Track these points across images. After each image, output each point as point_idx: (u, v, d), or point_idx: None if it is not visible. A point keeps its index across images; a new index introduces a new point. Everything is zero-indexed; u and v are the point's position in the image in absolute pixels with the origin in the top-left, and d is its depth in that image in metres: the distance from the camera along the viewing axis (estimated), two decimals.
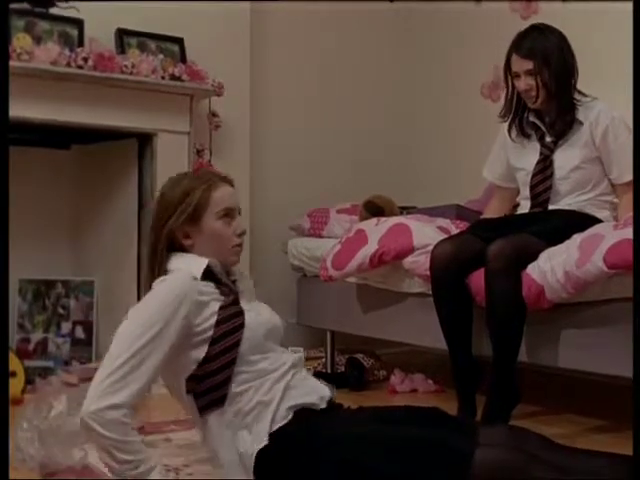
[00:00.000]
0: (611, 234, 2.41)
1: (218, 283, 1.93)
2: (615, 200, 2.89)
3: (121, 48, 3.37)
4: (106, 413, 1.69)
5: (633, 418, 1.52)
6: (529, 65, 2.78)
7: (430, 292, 2.76)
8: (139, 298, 3.38)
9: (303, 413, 1.86)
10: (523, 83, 2.81)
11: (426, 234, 2.98)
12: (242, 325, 1.88)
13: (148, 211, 3.43)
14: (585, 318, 2.52)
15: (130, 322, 1.83)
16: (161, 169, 3.42)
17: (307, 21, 4.30)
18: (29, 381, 3.16)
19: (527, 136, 2.93)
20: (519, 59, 2.81)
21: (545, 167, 2.85)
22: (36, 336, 3.49)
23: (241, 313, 1.89)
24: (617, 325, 2.43)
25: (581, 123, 2.82)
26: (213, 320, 1.85)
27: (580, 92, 2.86)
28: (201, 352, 1.85)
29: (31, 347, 3.46)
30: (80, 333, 3.55)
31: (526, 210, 2.91)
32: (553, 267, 2.48)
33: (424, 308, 2.89)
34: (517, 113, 2.94)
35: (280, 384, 1.87)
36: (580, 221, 2.70)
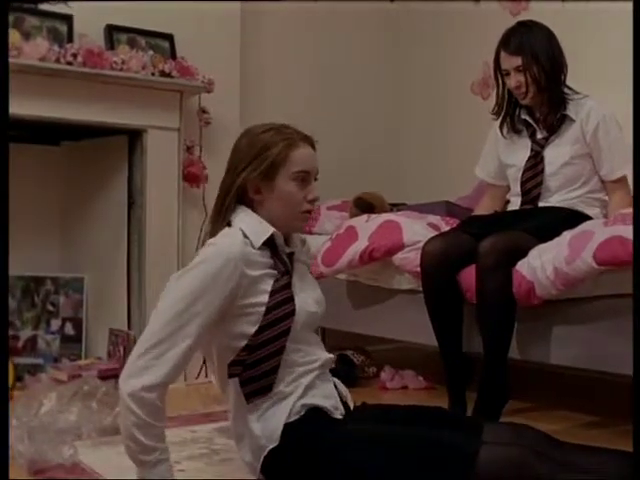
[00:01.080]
0: (601, 231, 2.42)
1: (275, 256, 1.86)
2: (605, 197, 2.90)
3: (111, 44, 3.36)
4: (143, 394, 1.66)
5: (633, 418, 1.52)
6: (518, 61, 2.79)
7: (420, 289, 2.77)
8: (129, 294, 3.43)
9: (315, 413, 1.84)
10: (513, 80, 2.82)
11: (416, 231, 2.98)
12: (293, 312, 1.83)
13: (138, 207, 3.43)
14: (575, 315, 2.53)
15: (170, 294, 1.76)
16: (151, 165, 3.41)
17: (298, 19, 4.30)
18: (18, 378, 3.15)
19: (518, 132, 2.94)
20: (508, 56, 2.82)
21: (536, 163, 2.86)
22: (25, 333, 3.47)
23: (292, 299, 1.84)
24: (607, 321, 2.44)
25: (572, 120, 2.83)
26: (262, 298, 1.79)
27: (570, 89, 2.87)
28: (246, 330, 1.79)
29: (20, 344, 3.45)
30: (70, 330, 3.53)
31: (517, 207, 2.92)
32: (543, 264, 2.48)
33: (414, 305, 2.89)
34: (509, 110, 2.95)
35: (304, 379, 1.85)
36: (570, 218, 2.71)
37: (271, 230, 1.85)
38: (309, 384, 1.86)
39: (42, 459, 2.14)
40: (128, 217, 3.48)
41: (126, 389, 1.67)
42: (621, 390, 3.12)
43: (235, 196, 1.86)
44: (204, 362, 3.54)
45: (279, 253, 1.88)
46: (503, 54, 2.84)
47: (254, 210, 1.88)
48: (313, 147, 1.94)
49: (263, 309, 1.79)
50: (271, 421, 1.80)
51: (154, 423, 1.69)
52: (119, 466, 2.19)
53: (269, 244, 1.85)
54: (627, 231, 2.30)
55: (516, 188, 2.93)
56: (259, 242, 1.82)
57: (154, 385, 1.67)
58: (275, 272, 1.84)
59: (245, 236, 1.82)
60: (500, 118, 2.97)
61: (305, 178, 1.87)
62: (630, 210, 2.54)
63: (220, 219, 1.88)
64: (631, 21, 3.43)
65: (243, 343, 1.79)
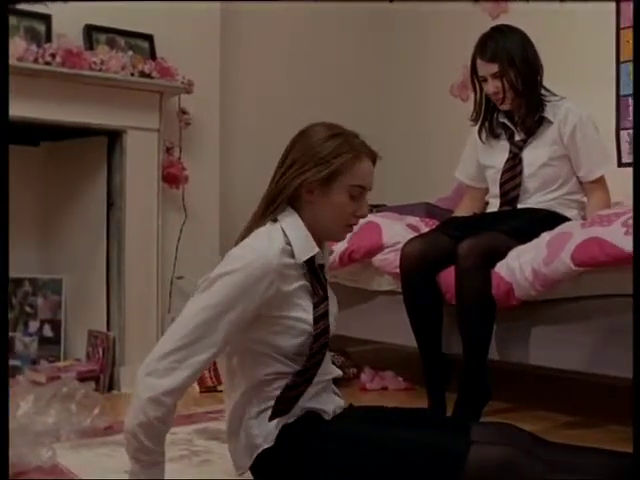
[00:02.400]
0: (579, 232, 2.43)
1: (313, 272, 1.83)
2: (583, 199, 2.92)
3: (90, 44, 3.34)
4: (162, 398, 1.63)
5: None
6: (494, 68, 2.80)
7: (400, 290, 2.77)
8: (108, 295, 3.41)
9: (313, 416, 1.84)
10: (491, 86, 2.83)
11: (396, 232, 2.99)
12: (327, 329, 1.83)
13: (117, 208, 3.42)
14: (554, 315, 2.55)
15: (204, 297, 1.72)
16: (130, 166, 3.40)
17: (278, 19, 4.29)
18: None
19: (497, 136, 2.96)
20: (484, 63, 2.83)
21: (514, 165, 2.88)
22: None
23: (327, 314, 1.84)
24: (586, 322, 2.46)
25: (550, 122, 2.85)
26: (294, 312, 1.77)
27: (548, 90, 2.89)
28: (267, 339, 1.76)
29: None
30: (48, 332, 3.51)
31: (495, 208, 2.94)
32: (521, 265, 2.50)
33: (394, 306, 2.90)
34: (487, 115, 2.97)
35: (312, 389, 1.83)
36: (549, 219, 2.73)
37: (316, 250, 1.82)
38: (315, 393, 1.85)
39: (20, 462, 2.12)
40: (107, 218, 3.47)
41: (146, 390, 1.64)
42: (600, 390, 3.15)
43: (290, 195, 1.82)
44: None
45: (317, 270, 1.86)
46: (479, 61, 2.85)
47: (300, 209, 1.84)
48: (374, 163, 1.89)
49: (291, 322, 1.77)
50: (270, 421, 1.79)
51: (161, 426, 1.67)
52: (98, 468, 2.19)
53: (308, 259, 1.83)
54: (604, 232, 2.31)
55: (495, 190, 2.95)
56: (302, 258, 1.79)
57: (174, 389, 1.65)
58: (309, 286, 1.82)
59: (288, 243, 1.79)
60: (478, 124, 2.99)
61: (360, 193, 1.85)
62: (608, 211, 2.56)
63: (267, 214, 1.83)
64: (608, 22, 3.48)
65: (263, 349, 1.78)
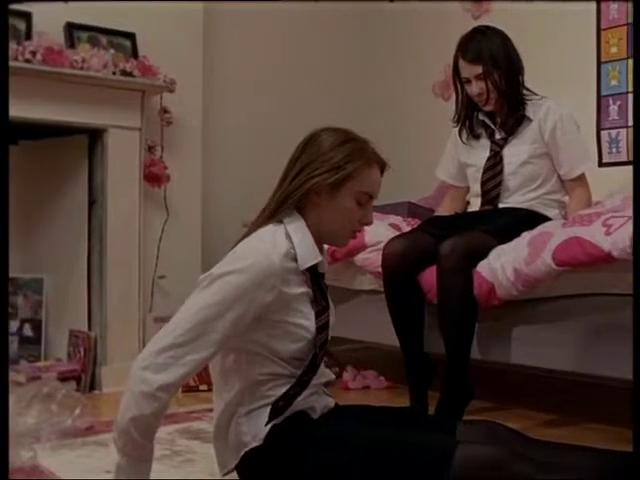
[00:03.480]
0: (560, 232, 2.44)
1: (314, 280, 1.82)
2: (563, 199, 2.94)
3: (71, 42, 3.32)
4: (157, 393, 1.62)
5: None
6: (478, 70, 2.81)
7: (382, 289, 2.78)
8: (89, 295, 3.39)
9: (302, 416, 1.83)
10: (475, 87, 2.83)
11: (378, 231, 2.99)
12: (325, 343, 1.83)
13: (99, 207, 3.40)
14: (535, 315, 2.56)
15: (203, 295, 1.70)
16: (112, 165, 3.38)
17: (260, 19, 4.28)
18: None
19: (477, 136, 2.97)
20: (467, 65, 2.83)
21: (495, 163, 2.89)
22: None
23: (328, 325, 1.83)
24: (567, 321, 2.47)
25: (530, 120, 2.86)
26: (294, 318, 1.76)
27: (529, 90, 2.90)
28: (264, 341, 1.75)
29: None
30: (28, 331, 3.49)
31: (477, 207, 2.95)
32: (503, 265, 2.51)
33: (376, 305, 2.90)
34: (467, 115, 2.97)
35: (306, 392, 1.82)
36: (530, 219, 2.74)
37: (319, 258, 1.82)
38: (307, 395, 1.84)
39: None
40: (89, 217, 3.45)
41: (141, 384, 1.62)
42: (581, 389, 3.17)
43: (299, 197, 1.80)
44: None
45: (319, 278, 1.85)
46: (462, 62, 2.85)
47: (305, 211, 1.82)
48: (383, 172, 1.89)
49: (291, 328, 1.76)
50: (259, 420, 1.78)
51: (153, 421, 1.66)
52: (79, 469, 2.18)
53: (311, 267, 1.81)
54: (585, 232, 2.33)
55: (476, 188, 2.96)
56: (305, 265, 1.78)
57: (169, 385, 1.64)
58: (311, 293, 1.81)
59: (292, 248, 1.77)
60: (459, 125, 3.00)
61: (367, 200, 1.84)
62: (588, 211, 2.57)
63: (274, 215, 1.82)
64: (589, 23, 3.50)
65: (260, 350, 1.77)
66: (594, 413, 2.84)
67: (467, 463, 1.63)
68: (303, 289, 1.80)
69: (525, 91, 2.89)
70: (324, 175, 1.78)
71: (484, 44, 2.81)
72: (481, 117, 2.95)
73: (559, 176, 2.90)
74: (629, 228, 2.19)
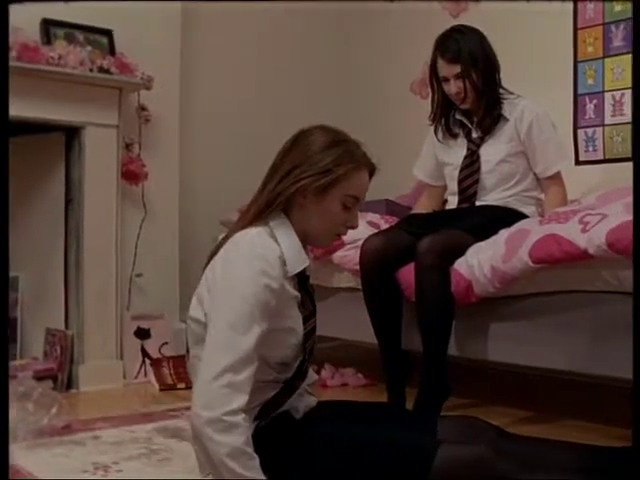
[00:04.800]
0: (537, 229, 2.46)
1: (302, 284, 1.81)
2: (540, 196, 2.96)
3: (47, 39, 3.30)
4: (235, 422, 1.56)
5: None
6: (457, 69, 2.81)
7: (360, 286, 2.78)
8: (66, 293, 3.37)
9: (284, 416, 1.83)
10: (454, 87, 2.84)
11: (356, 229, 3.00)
12: (313, 348, 1.83)
13: (76, 205, 3.38)
14: (512, 312, 2.57)
15: (226, 307, 1.65)
16: (89, 163, 3.36)
17: (239, 18, 4.27)
18: None
19: (454, 135, 2.98)
20: (446, 64, 2.84)
21: (472, 161, 2.90)
22: None
23: (315, 329, 1.83)
24: (543, 318, 2.48)
25: (506, 119, 2.88)
26: (283, 323, 1.74)
27: (504, 89, 2.91)
28: (266, 352, 1.72)
29: None
30: None
31: (454, 205, 2.96)
32: (480, 262, 2.52)
33: (354, 302, 2.91)
34: (443, 115, 2.99)
35: (284, 390, 1.82)
36: (507, 216, 2.76)
37: (307, 262, 1.81)
38: (290, 399, 1.84)
39: None
40: (65, 215, 3.43)
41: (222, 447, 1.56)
42: (558, 385, 3.19)
43: (287, 199, 1.77)
44: (143, 362, 3.52)
45: (306, 281, 1.84)
46: (441, 62, 2.86)
47: (290, 212, 1.80)
48: (372, 175, 1.86)
49: (281, 335, 1.75)
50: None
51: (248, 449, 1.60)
52: (56, 468, 2.17)
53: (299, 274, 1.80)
54: (562, 229, 2.34)
55: (453, 187, 2.97)
56: (294, 271, 1.77)
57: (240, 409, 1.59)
58: (299, 297, 1.80)
59: (281, 252, 1.75)
60: (435, 123, 3.01)
61: (353, 204, 1.82)
62: (565, 208, 2.59)
63: (261, 218, 1.78)
64: (566, 22, 3.52)
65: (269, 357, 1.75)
66: (572, 410, 2.86)
67: (451, 463, 1.64)
68: (293, 293, 1.78)
69: (501, 90, 2.91)
70: (313, 178, 1.74)
71: (463, 43, 2.81)
72: (458, 116, 2.97)
73: (535, 174, 2.92)
74: (605, 225, 2.21)
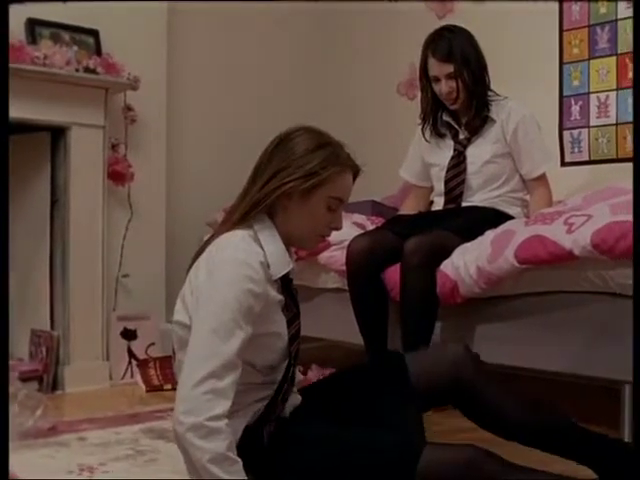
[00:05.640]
0: (522, 230, 2.47)
1: (285, 287, 1.81)
2: (526, 197, 2.97)
3: (32, 38, 3.28)
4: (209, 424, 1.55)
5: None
6: (449, 69, 2.82)
7: (346, 287, 2.79)
8: (52, 294, 3.36)
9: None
10: (445, 86, 2.85)
11: (342, 230, 2.99)
12: (297, 353, 1.83)
13: (61, 205, 3.37)
14: (498, 312, 2.58)
15: (203, 318, 1.64)
16: (75, 163, 3.35)
17: (225, 17, 4.27)
18: None
19: (441, 135, 2.99)
20: (438, 63, 2.84)
21: (459, 162, 2.91)
22: None
23: (299, 332, 1.83)
24: (528, 319, 2.50)
25: (493, 120, 2.89)
26: (266, 327, 1.73)
27: (491, 90, 2.92)
28: (252, 357, 1.71)
29: None
30: None
31: (440, 206, 2.97)
32: (466, 263, 2.53)
33: (340, 303, 2.91)
34: (431, 115, 2.99)
35: (276, 397, 1.82)
36: (493, 217, 2.77)
37: (291, 265, 1.80)
38: (277, 399, 1.83)
39: None
40: (51, 215, 3.42)
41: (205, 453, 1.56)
42: (541, 386, 3.20)
43: (272, 203, 1.76)
44: (129, 363, 3.51)
45: (290, 284, 1.84)
46: (432, 61, 2.86)
47: (274, 214, 1.79)
48: (355, 177, 1.86)
49: (266, 340, 1.74)
50: (233, 425, 1.75)
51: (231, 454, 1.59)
52: (41, 470, 2.16)
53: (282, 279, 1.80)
54: (547, 230, 2.35)
55: (440, 187, 2.98)
56: (278, 275, 1.76)
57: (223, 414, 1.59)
58: (283, 300, 1.79)
59: (264, 256, 1.73)
60: (423, 123, 3.02)
61: (337, 206, 1.81)
62: (550, 210, 2.60)
63: (246, 220, 1.77)
64: (551, 23, 3.54)
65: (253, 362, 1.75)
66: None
67: (438, 465, 1.63)
68: (277, 297, 1.78)
69: (489, 92, 2.92)
70: (298, 181, 1.74)
71: (454, 43, 2.82)
72: (445, 118, 2.97)
73: (521, 175, 2.93)
74: (590, 226, 2.22)
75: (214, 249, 1.74)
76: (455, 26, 2.91)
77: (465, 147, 2.92)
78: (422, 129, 3.02)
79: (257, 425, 1.78)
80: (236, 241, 1.72)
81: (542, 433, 1.89)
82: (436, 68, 2.85)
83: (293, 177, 1.74)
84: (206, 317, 1.64)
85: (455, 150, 2.93)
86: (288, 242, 1.82)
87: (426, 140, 3.02)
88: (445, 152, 2.96)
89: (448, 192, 2.92)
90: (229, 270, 1.67)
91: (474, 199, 2.89)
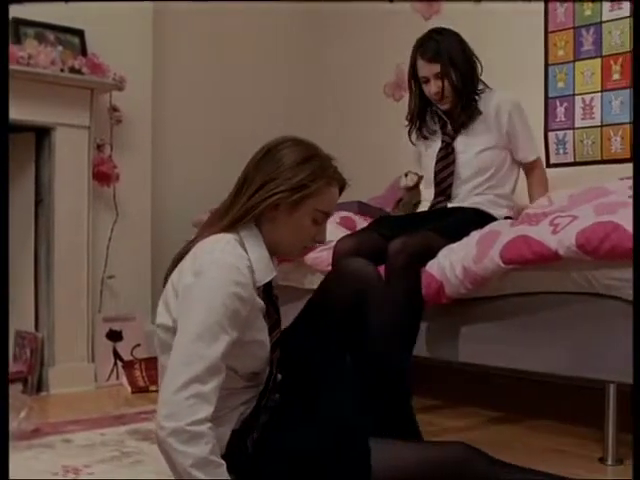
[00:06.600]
0: (507, 231, 2.48)
1: (267, 294, 1.82)
2: (511, 203, 2.99)
3: (17, 38, 3.27)
4: (202, 432, 1.55)
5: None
6: (437, 68, 2.86)
7: None
8: (36, 295, 3.34)
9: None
10: (433, 86, 2.88)
11: (328, 230, 2.99)
12: (278, 360, 1.83)
13: (46, 206, 3.35)
14: (483, 313, 2.59)
15: (195, 320, 1.62)
16: (60, 163, 3.34)
17: (211, 18, 4.25)
18: None
19: (432, 132, 3.01)
20: (426, 64, 2.88)
21: (447, 154, 2.95)
22: None
23: (279, 342, 1.83)
24: (514, 319, 2.50)
25: (480, 112, 2.92)
26: (251, 335, 1.73)
27: (481, 81, 2.97)
28: (235, 363, 1.71)
29: None
30: None
31: (429, 197, 2.98)
32: (452, 263, 2.53)
33: None
34: (419, 117, 3.02)
35: (259, 404, 1.82)
36: (479, 218, 2.78)
37: (274, 273, 1.80)
38: (261, 402, 1.83)
39: None
40: (35, 215, 3.41)
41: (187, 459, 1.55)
42: (526, 386, 3.21)
43: (259, 213, 1.76)
44: (115, 364, 3.50)
45: (271, 291, 1.84)
46: (421, 62, 2.90)
47: (260, 224, 1.80)
48: (341, 191, 1.87)
49: (248, 346, 1.73)
50: (220, 430, 1.74)
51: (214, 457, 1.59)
52: (25, 472, 2.15)
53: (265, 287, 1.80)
54: (532, 231, 2.36)
55: (429, 178, 3.00)
56: (262, 281, 1.76)
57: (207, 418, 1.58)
58: (264, 308, 1.79)
59: (249, 262, 1.73)
60: (411, 125, 3.04)
61: (323, 219, 1.83)
62: (535, 211, 2.61)
63: (233, 227, 1.77)
64: (537, 25, 3.55)
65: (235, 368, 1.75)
66: (542, 410, 2.89)
67: (425, 464, 1.65)
68: (260, 303, 1.78)
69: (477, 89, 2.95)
70: (285, 194, 1.75)
71: (442, 44, 2.87)
72: (435, 109, 3.00)
73: (509, 168, 2.97)
74: (575, 227, 2.23)
75: (199, 251, 1.73)
76: (444, 28, 2.95)
77: (453, 139, 2.95)
78: (409, 132, 3.04)
79: (242, 433, 1.77)
80: (223, 244, 1.72)
81: None
82: (424, 68, 2.89)
83: (280, 189, 1.75)
84: (192, 320, 1.63)
85: (443, 142, 2.97)
86: (272, 251, 1.82)
87: (412, 143, 3.03)
88: (436, 144, 2.99)
89: (438, 183, 2.95)
90: (217, 273, 1.66)
91: (464, 189, 2.91)
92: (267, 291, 1.82)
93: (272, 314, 1.83)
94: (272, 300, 1.85)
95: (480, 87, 2.95)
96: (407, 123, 3.06)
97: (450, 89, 2.87)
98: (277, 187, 1.75)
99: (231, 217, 1.79)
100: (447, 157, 2.94)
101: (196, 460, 1.54)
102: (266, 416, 1.81)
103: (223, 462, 1.59)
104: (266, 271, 1.77)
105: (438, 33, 2.91)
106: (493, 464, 1.71)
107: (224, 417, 1.74)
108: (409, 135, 3.04)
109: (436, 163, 2.96)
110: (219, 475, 1.57)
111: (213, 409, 1.58)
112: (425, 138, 3.02)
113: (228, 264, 1.67)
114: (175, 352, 1.62)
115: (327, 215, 1.84)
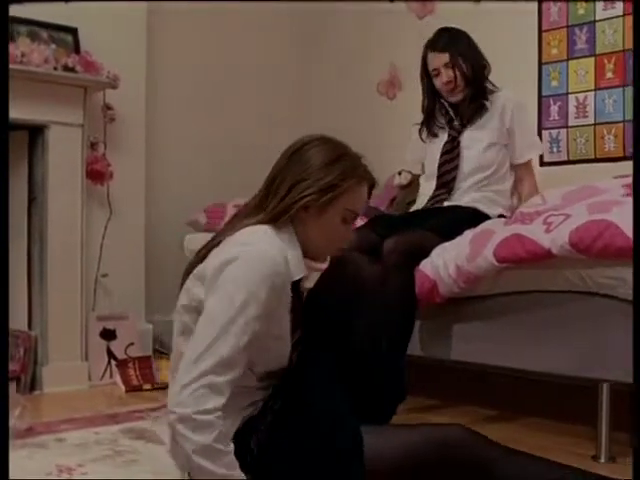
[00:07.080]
0: (501, 229, 2.48)
1: (296, 291, 1.79)
2: (508, 202, 2.99)
3: (10, 36, 3.25)
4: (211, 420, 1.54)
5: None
6: (446, 58, 2.91)
7: None
8: (30, 293, 3.33)
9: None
10: (444, 76, 2.93)
11: None
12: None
13: (39, 204, 3.35)
14: (477, 312, 2.59)
15: (220, 303, 1.60)
16: (53, 162, 3.33)
17: (205, 17, 4.25)
18: None
19: (436, 136, 3.03)
20: (436, 55, 2.94)
21: (453, 147, 2.97)
22: None
23: (301, 341, 1.80)
24: (507, 318, 2.51)
25: (487, 109, 2.96)
26: (276, 331, 1.71)
27: (489, 81, 3.01)
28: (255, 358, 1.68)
29: None
30: None
31: (429, 192, 2.98)
32: (445, 262, 2.53)
33: None
34: (429, 114, 3.05)
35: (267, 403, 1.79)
36: (473, 217, 2.78)
37: (305, 272, 1.78)
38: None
39: None
40: (28, 214, 3.40)
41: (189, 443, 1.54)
42: (520, 385, 3.21)
43: (293, 215, 1.73)
44: (108, 363, 3.50)
45: (299, 288, 1.82)
46: (431, 54, 2.96)
47: (293, 225, 1.77)
48: (371, 190, 1.85)
49: (269, 340, 1.71)
50: (227, 426, 1.73)
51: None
52: (18, 471, 2.14)
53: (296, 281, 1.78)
54: (526, 230, 2.36)
55: (433, 169, 3.01)
56: (295, 277, 1.73)
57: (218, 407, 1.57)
58: (290, 304, 1.76)
59: (286, 257, 1.71)
60: (421, 124, 3.07)
61: (352, 219, 1.81)
62: (529, 210, 2.61)
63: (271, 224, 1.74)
64: (530, 24, 3.56)
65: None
66: (536, 408, 2.89)
67: (426, 445, 1.65)
68: (289, 298, 1.75)
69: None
70: (316, 195, 1.72)
71: (450, 37, 2.95)
72: (443, 102, 3.02)
73: (509, 167, 2.99)
74: (568, 225, 2.23)
75: (233, 241, 1.70)
76: (453, 27, 3.02)
77: (459, 133, 2.98)
78: (419, 131, 3.07)
79: (246, 433, 1.77)
80: (261, 234, 1.70)
81: None
82: (434, 60, 2.95)
83: (310, 191, 1.72)
84: (219, 307, 1.61)
85: (449, 135, 2.99)
86: (304, 252, 1.80)
87: (422, 140, 3.08)
88: (441, 139, 3.02)
89: (440, 176, 2.97)
90: (252, 260, 1.63)
91: (463, 185, 2.93)
92: (296, 292, 1.80)
93: (297, 314, 1.80)
94: (300, 300, 1.83)
95: (490, 85, 3.00)
96: (418, 125, 3.10)
97: (461, 78, 2.91)
98: (306, 189, 1.72)
99: (263, 217, 1.75)
100: (452, 151, 2.96)
101: (199, 447, 1.53)
102: (271, 416, 1.80)
103: (230, 450, 1.58)
104: (299, 268, 1.75)
105: (447, 30, 2.99)
106: (490, 444, 1.71)
107: (229, 418, 1.74)
108: (420, 134, 3.08)
109: (441, 156, 2.98)
110: (224, 463, 1.56)
111: (224, 401, 1.57)
112: (435, 136, 3.04)
113: (264, 251, 1.65)
114: (197, 338, 1.60)
115: (356, 215, 1.81)
